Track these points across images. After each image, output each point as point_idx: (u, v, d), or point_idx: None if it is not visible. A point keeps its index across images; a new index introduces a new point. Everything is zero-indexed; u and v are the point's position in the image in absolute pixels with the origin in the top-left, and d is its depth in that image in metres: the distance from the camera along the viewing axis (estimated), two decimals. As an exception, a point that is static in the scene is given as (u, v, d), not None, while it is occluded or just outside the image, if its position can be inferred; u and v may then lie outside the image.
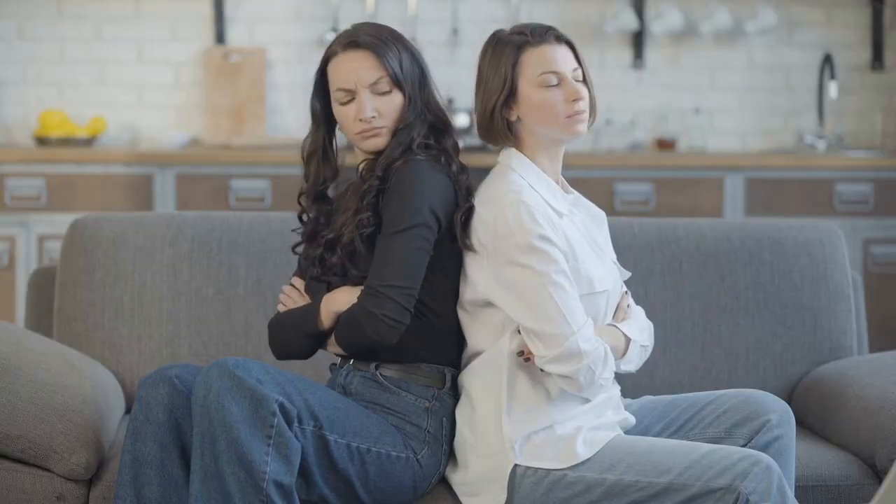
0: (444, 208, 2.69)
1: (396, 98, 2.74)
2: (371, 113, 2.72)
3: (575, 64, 2.72)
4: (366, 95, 2.73)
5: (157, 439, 2.60)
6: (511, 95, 2.69)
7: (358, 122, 2.73)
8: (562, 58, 2.71)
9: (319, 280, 2.76)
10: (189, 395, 2.61)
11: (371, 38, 2.75)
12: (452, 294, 2.74)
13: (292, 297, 2.82)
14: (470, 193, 2.74)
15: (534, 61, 2.69)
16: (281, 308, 2.82)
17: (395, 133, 2.74)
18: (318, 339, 2.75)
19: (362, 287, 2.68)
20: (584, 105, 2.70)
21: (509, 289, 2.63)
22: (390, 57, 2.73)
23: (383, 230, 2.67)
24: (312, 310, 2.73)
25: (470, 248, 2.68)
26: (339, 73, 2.75)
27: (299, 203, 2.86)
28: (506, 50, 2.70)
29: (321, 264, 2.76)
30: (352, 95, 2.74)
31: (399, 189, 2.67)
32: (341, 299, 2.71)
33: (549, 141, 2.74)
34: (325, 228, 2.81)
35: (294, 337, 2.77)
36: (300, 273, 2.86)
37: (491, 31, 2.78)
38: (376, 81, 2.73)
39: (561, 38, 2.72)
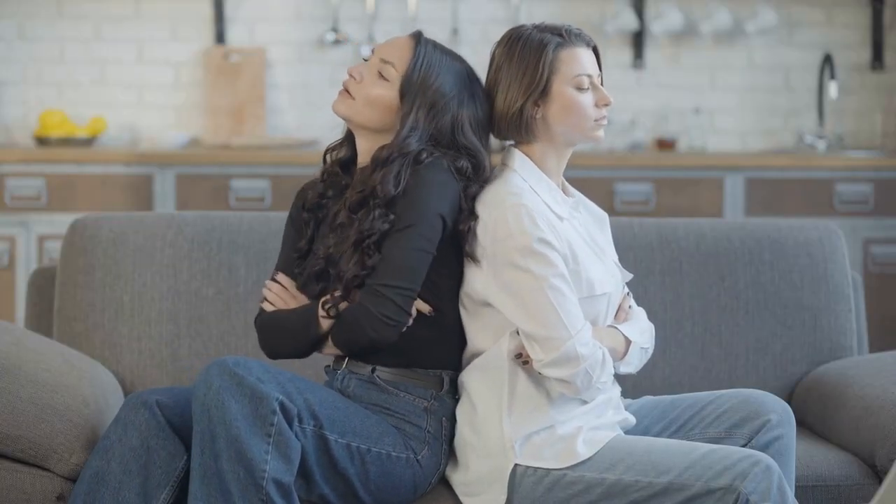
0: (451, 210, 2.67)
1: (387, 93, 2.71)
2: (355, 74, 2.72)
3: (598, 70, 2.74)
4: (370, 62, 2.74)
5: (123, 463, 2.60)
6: (543, 94, 2.69)
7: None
8: (591, 62, 2.73)
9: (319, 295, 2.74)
10: (167, 424, 2.62)
11: (429, 42, 2.73)
12: (456, 296, 2.74)
13: (282, 297, 2.79)
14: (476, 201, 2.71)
15: (570, 62, 2.69)
16: (268, 307, 2.78)
17: (392, 160, 2.67)
18: (318, 342, 2.75)
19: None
20: (607, 112, 2.72)
21: (507, 292, 2.63)
22: (421, 64, 2.70)
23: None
24: (312, 313, 2.71)
25: (474, 258, 2.67)
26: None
27: (324, 160, 2.84)
28: (541, 47, 2.68)
29: (317, 281, 2.73)
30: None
31: (406, 191, 2.65)
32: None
33: (564, 142, 2.73)
34: (325, 207, 2.79)
35: (292, 340, 2.75)
36: (286, 251, 2.83)
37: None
38: (386, 61, 2.72)
39: (590, 43, 2.73)
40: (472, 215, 2.69)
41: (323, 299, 2.68)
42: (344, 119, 2.76)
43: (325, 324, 2.69)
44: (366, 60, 2.77)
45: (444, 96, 2.71)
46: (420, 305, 2.68)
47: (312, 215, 2.82)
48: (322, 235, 2.78)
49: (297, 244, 2.81)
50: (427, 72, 2.71)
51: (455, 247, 2.70)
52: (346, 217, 2.70)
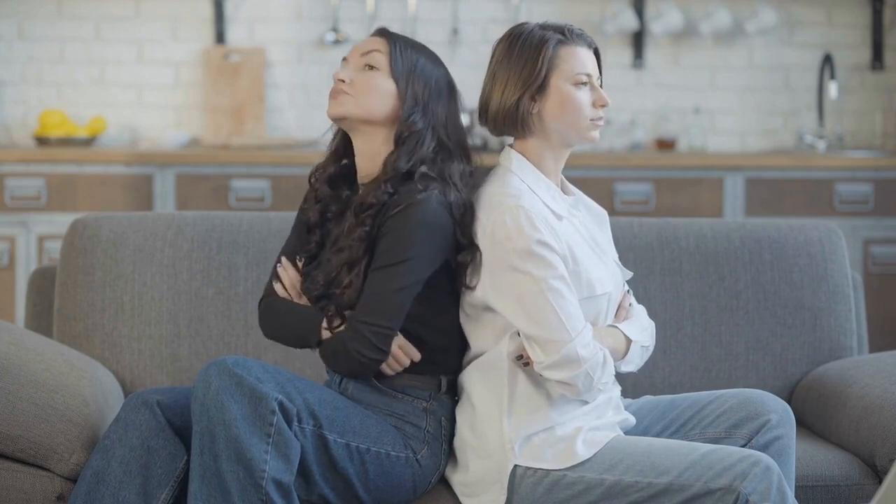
0: (443, 249, 2.65)
1: (382, 81, 2.72)
2: (343, 77, 2.74)
3: (598, 72, 2.74)
4: (353, 61, 2.75)
5: (124, 463, 2.60)
6: (540, 88, 2.69)
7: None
8: (591, 63, 2.72)
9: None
10: (168, 424, 2.62)
11: (396, 34, 2.77)
12: (455, 305, 2.73)
13: (297, 287, 2.79)
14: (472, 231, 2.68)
15: (570, 59, 2.69)
16: (280, 291, 2.79)
17: (403, 140, 2.70)
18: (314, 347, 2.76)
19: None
20: (604, 113, 2.72)
21: (507, 294, 2.62)
22: (398, 48, 2.73)
23: (372, 264, 2.65)
24: (315, 322, 2.71)
25: (469, 286, 2.67)
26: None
27: (309, 182, 2.83)
28: (542, 43, 2.67)
29: (317, 303, 2.74)
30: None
31: (393, 230, 2.63)
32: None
33: (559, 140, 2.73)
34: (330, 221, 2.79)
35: (292, 336, 2.77)
36: (293, 241, 2.84)
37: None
38: (369, 52, 2.74)
39: (591, 44, 2.73)
40: (472, 247, 2.66)
41: (326, 320, 2.69)
42: (345, 118, 2.74)
43: (324, 335, 2.71)
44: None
45: (432, 74, 2.74)
46: (411, 354, 2.68)
47: (317, 233, 2.81)
48: (326, 253, 2.77)
49: (307, 246, 2.82)
50: (409, 52, 2.74)
51: (452, 262, 2.70)
52: (349, 235, 2.70)
